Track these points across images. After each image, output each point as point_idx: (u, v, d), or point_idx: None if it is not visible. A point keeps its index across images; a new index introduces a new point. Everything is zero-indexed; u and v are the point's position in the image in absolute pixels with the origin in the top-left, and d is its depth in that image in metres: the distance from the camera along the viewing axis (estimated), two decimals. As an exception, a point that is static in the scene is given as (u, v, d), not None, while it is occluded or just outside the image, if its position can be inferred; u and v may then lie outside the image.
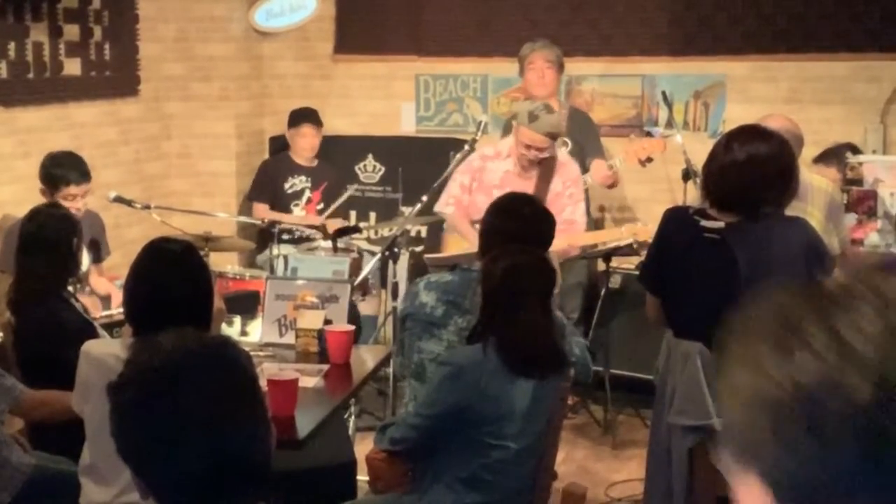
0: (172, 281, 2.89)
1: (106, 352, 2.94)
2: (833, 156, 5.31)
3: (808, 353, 0.84)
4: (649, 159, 5.72)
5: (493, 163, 5.09)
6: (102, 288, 5.15)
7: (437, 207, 5.21)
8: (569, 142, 5.71)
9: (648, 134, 6.01)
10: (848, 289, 0.88)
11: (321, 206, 6.45)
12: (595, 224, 5.98)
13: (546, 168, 5.02)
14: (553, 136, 4.96)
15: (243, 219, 6.38)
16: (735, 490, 0.92)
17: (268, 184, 6.56)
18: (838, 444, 0.82)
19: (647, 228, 5.00)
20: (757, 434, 0.87)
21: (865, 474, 0.81)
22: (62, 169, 4.90)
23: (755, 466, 0.88)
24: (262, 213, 6.36)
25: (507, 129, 5.54)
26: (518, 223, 3.55)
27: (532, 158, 4.94)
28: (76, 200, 4.86)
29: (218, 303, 3.70)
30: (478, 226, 3.94)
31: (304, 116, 6.51)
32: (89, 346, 3.00)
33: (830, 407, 0.82)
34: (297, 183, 6.48)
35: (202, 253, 4.82)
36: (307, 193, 6.47)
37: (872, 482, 0.81)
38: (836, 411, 0.82)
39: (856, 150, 5.38)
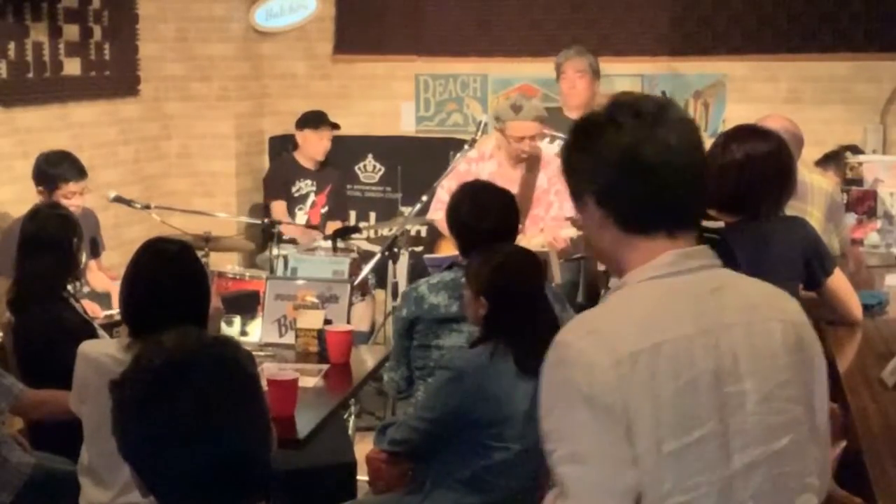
0: (167, 281, 2.89)
1: (102, 352, 2.94)
2: (832, 160, 5.32)
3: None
4: None
5: (477, 165, 5.10)
6: (101, 284, 5.15)
7: (429, 215, 5.25)
8: None
9: None
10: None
11: (325, 209, 6.44)
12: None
13: (531, 166, 5.03)
14: (540, 120, 4.99)
15: (243, 219, 6.38)
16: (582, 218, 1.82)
17: (280, 183, 6.52)
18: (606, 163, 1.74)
19: None
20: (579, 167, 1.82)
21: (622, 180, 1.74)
22: (59, 167, 4.91)
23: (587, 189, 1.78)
24: (282, 211, 6.33)
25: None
26: (493, 222, 3.57)
27: (527, 149, 4.96)
28: (75, 198, 4.87)
29: (215, 302, 3.70)
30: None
31: (323, 119, 6.44)
32: (86, 347, 3.00)
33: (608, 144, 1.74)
34: (303, 187, 6.46)
35: (202, 253, 4.82)
36: (312, 197, 6.46)
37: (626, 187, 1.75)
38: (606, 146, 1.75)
39: (857, 152, 5.38)
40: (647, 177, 1.72)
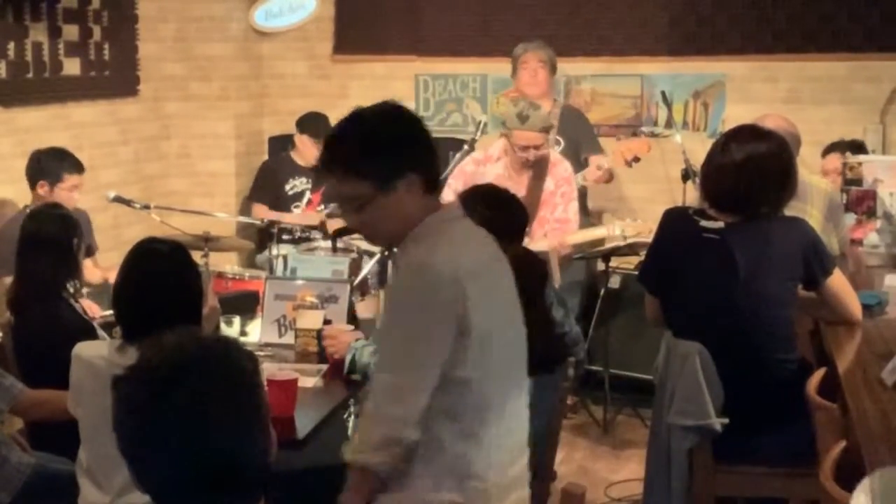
0: (157, 281, 2.88)
1: (94, 354, 2.93)
2: (836, 149, 5.38)
3: None
4: (636, 159, 5.75)
5: (484, 167, 5.09)
6: (96, 277, 5.15)
7: None
8: (561, 140, 5.71)
9: (634, 134, 6.01)
10: None
11: (321, 207, 6.44)
12: (593, 223, 5.98)
13: (538, 168, 5.02)
14: (546, 130, 4.99)
15: (243, 219, 6.38)
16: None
17: (268, 185, 6.53)
18: None
19: (635, 224, 5.00)
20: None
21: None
22: (57, 161, 5.05)
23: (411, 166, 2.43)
24: (262, 213, 6.34)
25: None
26: (509, 216, 3.64)
27: (531, 158, 4.95)
28: (73, 191, 4.93)
29: (212, 301, 3.69)
30: None
31: (324, 129, 6.37)
32: (80, 349, 3.00)
33: None
34: (297, 184, 6.46)
35: (202, 253, 4.82)
36: (308, 195, 6.45)
37: None
38: None
39: (860, 148, 5.40)
40: (435, 152, 2.50)
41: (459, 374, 2.37)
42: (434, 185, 2.51)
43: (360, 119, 2.51)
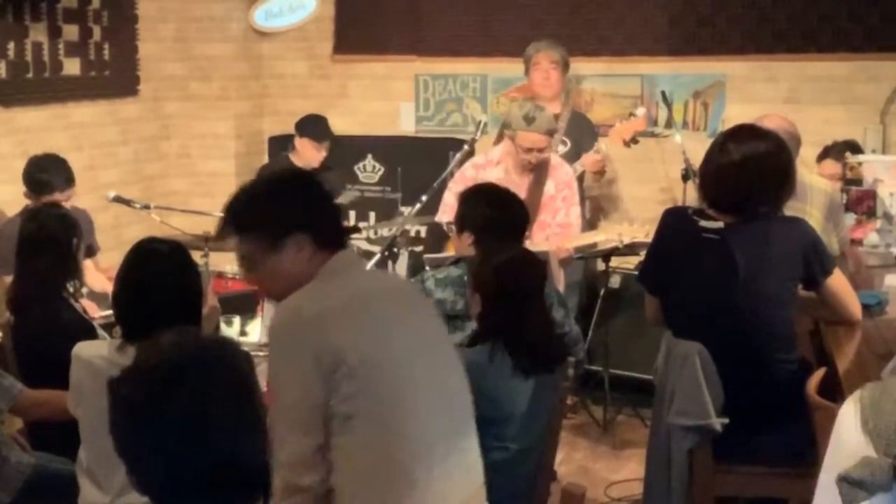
0: (157, 281, 2.89)
1: (94, 354, 2.94)
2: (830, 151, 5.37)
3: None
4: (634, 140, 5.74)
5: (484, 171, 5.08)
6: (99, 284, 5.15)
7: (437, 217, 5.23)
8: (568, 141, 5.72)
9: (631, 115, 6.01)
10: None
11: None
12: (590, 224, 5.98)
13: (539, 172, 5.01)
14: (550, 133, 4.98)
15: (243, 219, 6.36)
16: None
17: None
18: None
19: (632, 228, 5.00)
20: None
21: None
22: (47, 174, 4.96)
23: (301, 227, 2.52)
24: None
25: (500, 137, 5.52)
26: (513, 212, 3.66)
27: (533, 160, 4.95)
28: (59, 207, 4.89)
29: (212, 301, 3.70)
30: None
31: (325, 133, 6.35)
32: (79, 349, 3.00)
33: None
34: None
35: (202, 253, 4.83)
36: (306, 194, 6.43)
37: None
38: None
39: (856, 149, 5.40)
40: (332, 212, 2.59)
41: (343, 409, 2.32)
42: (331, 242, 2.53)
43: (253, 183, 2.66)
